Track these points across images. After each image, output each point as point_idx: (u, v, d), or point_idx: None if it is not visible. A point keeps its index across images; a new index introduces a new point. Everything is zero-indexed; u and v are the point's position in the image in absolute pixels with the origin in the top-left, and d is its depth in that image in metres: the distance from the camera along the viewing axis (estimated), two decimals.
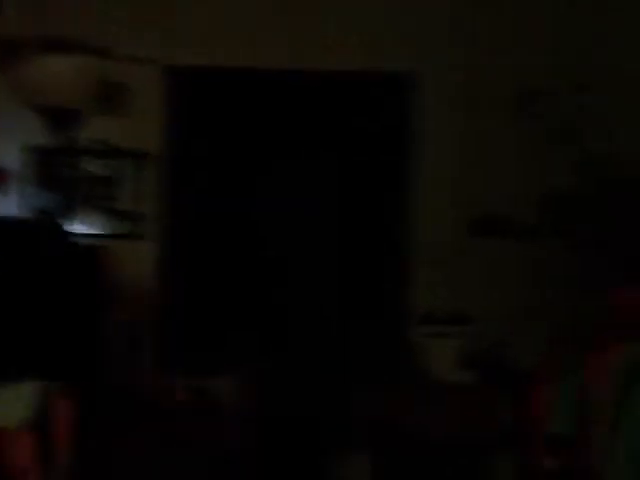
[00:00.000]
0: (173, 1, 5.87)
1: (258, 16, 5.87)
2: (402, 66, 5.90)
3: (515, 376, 5.22)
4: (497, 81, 5.90)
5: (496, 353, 5.60)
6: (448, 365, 5.44)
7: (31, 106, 4.92)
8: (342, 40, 5.87)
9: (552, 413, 3.87)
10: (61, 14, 5.73)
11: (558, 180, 5.85)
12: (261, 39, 5.85)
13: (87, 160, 5.76)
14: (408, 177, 5.91)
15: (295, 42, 5.87)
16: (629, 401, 3.44)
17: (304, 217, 5.94)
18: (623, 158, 5.77)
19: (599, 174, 5.79)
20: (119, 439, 4.78)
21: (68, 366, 4.31)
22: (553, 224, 5.84)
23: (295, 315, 5.91)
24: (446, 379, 5.43)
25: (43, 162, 5.66)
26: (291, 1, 5.91)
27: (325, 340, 5.88)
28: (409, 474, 5.31)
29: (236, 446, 5.07)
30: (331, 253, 5.95)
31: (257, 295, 5.92)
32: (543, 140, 5.89)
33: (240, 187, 5.94)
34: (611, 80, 5.81)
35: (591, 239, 5.66)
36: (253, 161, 5.93)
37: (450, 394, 5.38)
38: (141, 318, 5.61)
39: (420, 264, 5.83)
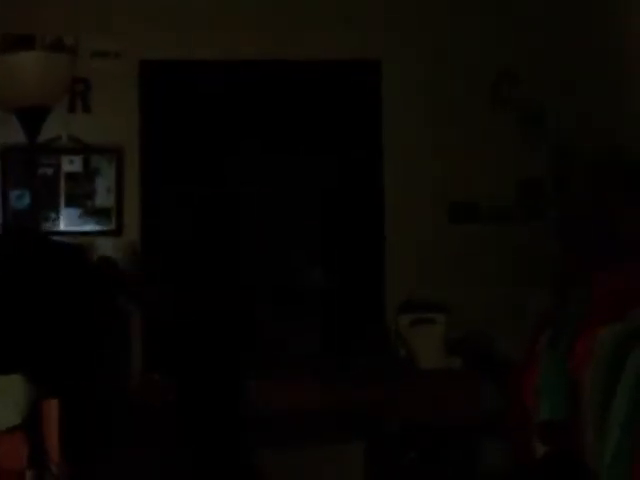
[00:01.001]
0: None
1: (228, 8, 5.84)
2: (372, 54, 5.89)
3: (499, 362, 5.22)
4: (469, 67, 5.90)
5: (478, 339, 5.60)
6: (432, 352, 5.43)
7: (1, 105, 4.87)
8: (311, 30, 5.85)
9: (540, 399, 3.86)
10: (29, 11, 5.67)
11: (534, 165, 5.86)
12: (231, 31, 5.82)
13: (62, 157, 5.71)
14: (382, 165, 5.89)
15: (265, 33, 5.84)
16: (615, 382, 3.44)
17: (282, 207, 5.91)
18: (594, 143, 5.77)
19: (570, 159, 5.81)
20: (110, 441, 4.75)
21: (56, 364, 4.28)
22: (530, 209, 5.86)
23: (274, 307, 5.89)
24: (430, 366, 5.43)
25: (18, 161, 5.61)
26: None
27: (307, 328, 5.86)
28: (400, 461, 5.31)
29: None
30: (309, 243, 5.94)
31: (236, 290, 5.89)
32: (516, 125, 5.89)
33: (216, 178, 5.91)
34: (583, 63, 5.82)
35: (568, 224, 5.67)
36: (228, 152, 5.91)
37: (435, 381, 5.38)
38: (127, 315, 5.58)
39: (399, 252, 5.82)
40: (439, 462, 5.37)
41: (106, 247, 5.63)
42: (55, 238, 5.32)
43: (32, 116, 4.68)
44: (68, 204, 5.71)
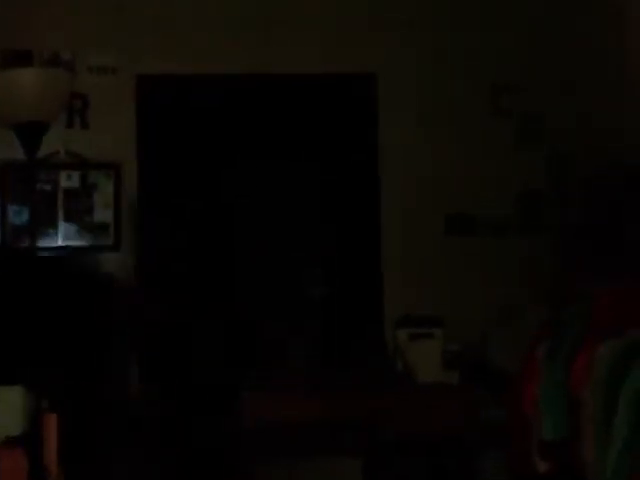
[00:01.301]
0: (138, 11, 5.83)
1: (224, 23, 5.85)
2: (368, 67, 5.90)
3: (496, 374, 5.22)
4: (466, 78, 5.91)
5: (475, 352, 5.60)
6: (430, 366, 5.43)
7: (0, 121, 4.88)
8: (305, 44, 5.86)
9: (541, 417, 3.86)
10: (27, 27, 5.68)
11: (531, 178, 5.87)
12: (228, 45, 5.83)
13: (60, 173, 5.71)
14: (379, 177, 5.90)
15: (262, 47, 5.86)
16: (615, 399, 3.44)
17: (279, 220, 5.92)
18: (591, 155, 5.79)
19: (567, 172, 5.82)
20: (108, 452, 4.76)
21: (57, 375, 4.29)
22: (528, 222, 5.86)
23: (272, 319, 5.89)
24: (428, 380, 5.43)
25: (16, 177, 5.61)
26: (255, 10, 5.88)
27: (305, 340, 5.86)
28: (397, 474, 5.31)
29: None
30: (306, 256, 5.94)
31: (233, 302, 5.89)
32: (513, 137, 5.90)
33: (214, 192, 5.91)
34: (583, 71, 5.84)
35: (567, 237, 5.68)
36: (225, 165, 5.91)
37: (432, 393, 5.38)
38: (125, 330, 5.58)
39: (396, 265, 5.83)
40: (436, 475, 5.37)
41: (104, 262, 5.62)
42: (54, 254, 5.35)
43: (30, 132, 4.68)
44: (66, 219, 5.71)
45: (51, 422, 3.92)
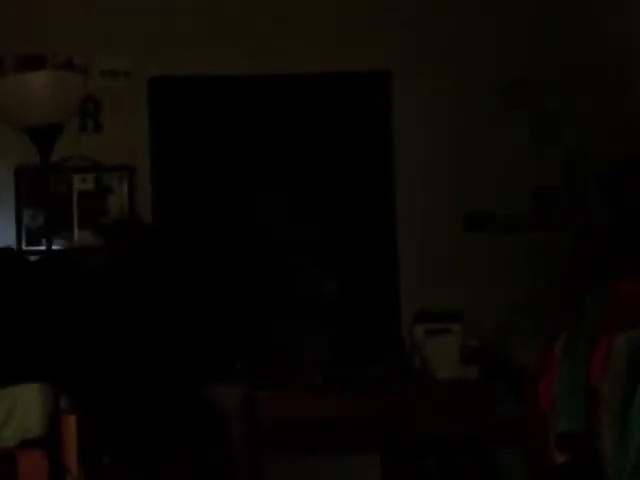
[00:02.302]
0: (149, 15, 5.84)
1: (236, 24, 5.85)
2: (382, 66, 5.90)
3: (515, 370, 5.21)
4: (481, 75, 5.90)
5: (494, 348, 5.59)
6: (448, 362, 5.43)
7: (14, 124, 4.89)
8: (319, 43, 5.88)
9: (558, 410, 3.85)
10: (40, 31, 5.70)
11: (547, 174, 5.86)
12: (241, 46, 5.84)
13: (74, 177, 5.73)
14: (395, 175, 5.90)
15: (274, 48, 5.86)
16: (633, 390, 3.43)
17: (295, 218, 5.93)
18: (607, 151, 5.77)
19: (583, 168, 5.81)
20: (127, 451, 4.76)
21: (74, 374, 4.31)
22: (544, 218, 5.85)
23: (289, 317, 5.89)
24: (446, 376, 5.42)
25: (31, 180, 5.64)
26: (269, 11, 5.89)
27: (322, 338, 5.87)
28: (417, 471, 5.30)
29: None
30: (323, 253, 5.94)
31: (247, 304, 5.90)
32: (528, 134, 5.89)
33: (229, 193, 5.92)
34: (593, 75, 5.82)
35: (584, 231, 5.67)
36: (240, 167, 5.92)
37: (451, 389, 5.38)
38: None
39: (414, 261, 5.83)
40: (455, 471, 5.36)
41: None
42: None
43: (44, 135, 4.68)
44: (81, 222, 5.72)
45: (71, 423, 3.93)
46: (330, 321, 5.91)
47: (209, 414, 5.16)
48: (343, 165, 5.99)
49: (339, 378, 5.53)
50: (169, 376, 4.93)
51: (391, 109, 5.93)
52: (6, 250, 5.27)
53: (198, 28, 5.85)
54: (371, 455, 5.55)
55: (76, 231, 5.72)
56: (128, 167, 5.78)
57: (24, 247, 5.67)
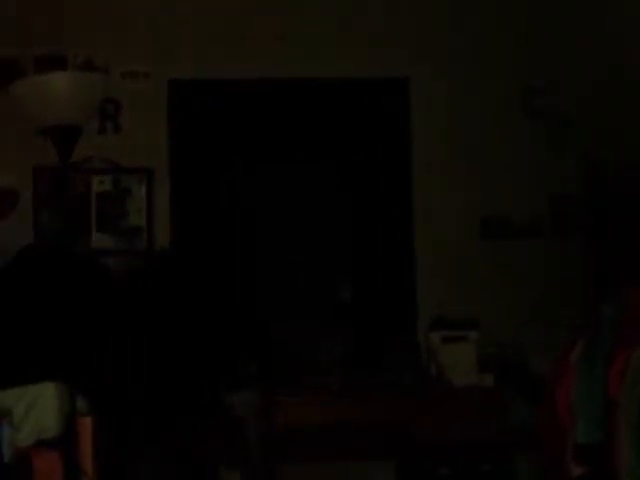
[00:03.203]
0: (169, 17, 5.85)
1: (256, 27, 5.86)
2: (400, 71, 5.89)
3: (531, 378, 5.19)
4: (498, 80, 5.90)
5: (511, 355, 5.57)
6: (464, 369, 5.41)
7: (34, 126, 4.91)
8: (337, 49, 5.87)
9: (575, 420, 3.83)
10: (61, 33, 5.72)
11: (564, 180, 5.84)
12: (260, 49, 5.84)
13: (93, 178, 5.74)
14: (412, 180, 5.89)
15: (293, 51, 5.87)
16: None
17: (311, 222, 5.92)
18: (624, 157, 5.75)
19: (600, 174, 5.79)
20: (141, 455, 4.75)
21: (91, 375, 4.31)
22: (563, 224, 5.83)
23: (304, 322, 5.89)
24: (462, 383, 5.40)
25: (50, 182, 5.65)
26: (284, 15, 5.89)
27: (337, 344, 5.86)
28: (432, 478, 5.29)
29: None
30: (339, 259, 5.93)
31: (265, 306, 5.89)
32: (546, 140, 5.88)
33: (247, 195, 5.92)
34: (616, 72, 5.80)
35: (600, 239, 5.65)
36: (258, 169, 5.92)
37: (467, 396, 5.36)
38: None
39: (430, 267, 5.81)
40: (471, 479, 5.34)
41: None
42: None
43: (64, 136, 4.69)
44: (99, 223, 5.73)
45: (86, 424, 3.93)
46: (346, 326, 5.90)
47: (225, 418, 5.16)
48: (360, 169, 5.98)
49: (354, 384, 5.52)
50: (185, 378, 4.92)
51: (409, 114, 5.92)
52: (32, 248, 5.27)
53: (217, 31, 5.85)
54: (386, 462, 5.53)
55: (94, 233, 5.73)
56: (147, 169, 5.78)
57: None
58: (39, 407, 3.88)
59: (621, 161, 5.70)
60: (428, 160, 5.88)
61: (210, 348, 5.15)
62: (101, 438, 3.98)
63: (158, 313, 4.99)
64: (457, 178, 5.88)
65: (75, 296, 4.58)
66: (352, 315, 5.92)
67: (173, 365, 4.88)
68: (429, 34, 5.92)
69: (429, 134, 5.88)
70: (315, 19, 5.91)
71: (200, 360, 4.99)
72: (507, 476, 5.27)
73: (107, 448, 4.06)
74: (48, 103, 4.51)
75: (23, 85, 4.50)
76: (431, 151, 5.88)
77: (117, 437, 4.32)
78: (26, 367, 4.14)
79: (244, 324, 5.83)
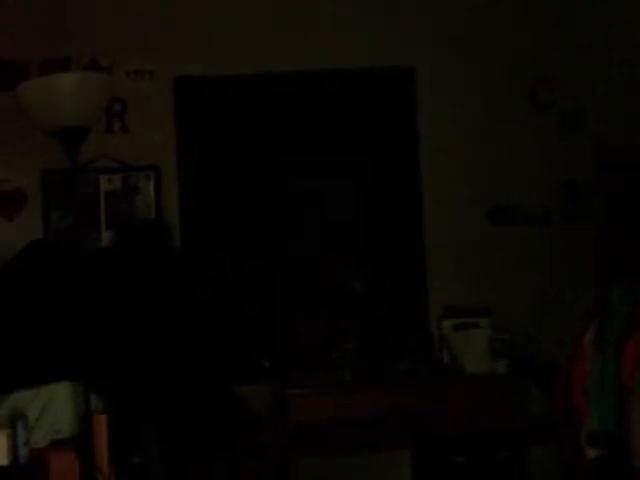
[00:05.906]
0: (173, 14, 5.85)
1: (260, 22, 5.86)
2: (406, 61, 5.89)
3: (544, 364, 5.19)
4: (508, 67, 5.88)
5: (523, 342, 5.57)
6: (477, 356, 5.41)
7: (41, 126, 4.92)
8: (345, 39, 5.88)
9: (589, 406, 3.83)
10: (65, 34, 5.73)
11: (574, 168, 5.84)
12: (264, 45, 5.84)
13: (101, 177, 5.76)
14: (420, 169, 5.90)
15: (297, 46, 5.87)
16: None
17: (321, 214, 5.93)
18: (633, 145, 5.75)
19: (609, 162, 5.78)
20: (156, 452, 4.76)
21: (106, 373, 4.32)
22: (571, 211, 5.83)
23: (315, 313, 5.90)
24: (475, 370, 5.41)
25: (58, 182, 5.66)
26: (293, 9, 5.89)
27: (350, 334, 5.86)
28: (448, 467, 5.30)
29: None
30: (351, 249, 5.94)
31: (280, 298, 5.91)
32: (555, 128, 5.88)
33: (255, 192, 5.93)
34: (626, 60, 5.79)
35: (610, 225, 5.64)
36: (265, 165, 5.92)
37: (481, 385, 5.37)
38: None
39: (440, 256, 5.82)
40: (487, 467, 5.35)
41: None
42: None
43: (71, 136, 4.70)
44: (108, 222, 5.75)
45: (101, 423, 3.94)
46: (358, 317, 5.90)
47: (241, 413, 5.17)
48: (369, 160, 5.98)
49: (368, 375, 5.53)
50: (200, 375, 4.93)
51: (417, 104, 5.92)
52: (42, 243, 5.28)
53: (223, 27, 5.85)
54: (401, 452, 5.54)
55: (103, 231, 5.74)
56: (154, 167, 5.79)
57: None
58: (54, 408, 3.90)
59: (631, 146, 5.69)
60: (438, 149, 5.88)
61: (221, 343, 5.16)
62: (116, 437, 3.99)
63: (170, 309, 5.00)
64: (467, 166, 5.88)
65: (87, 293, 4.59)
66: (364, 306, 5.92)
67: (186, 361, 4.89)
68: (436, 23, 5.91)
69: (439, 124, 5.88)
70: (319, 11, 5.91)
71: (212, 354, 4.99)
72: (523, 464, 5.28)
73: (123, 447, 4.07)
74: (55, 105, 4.51)
75: (29, 87, 4.50)
76: (441, 141, 5.88)
77: (132, 435, 4.33)
78: (39, 367, 4.15)
79: (255, 318, 5.84)
